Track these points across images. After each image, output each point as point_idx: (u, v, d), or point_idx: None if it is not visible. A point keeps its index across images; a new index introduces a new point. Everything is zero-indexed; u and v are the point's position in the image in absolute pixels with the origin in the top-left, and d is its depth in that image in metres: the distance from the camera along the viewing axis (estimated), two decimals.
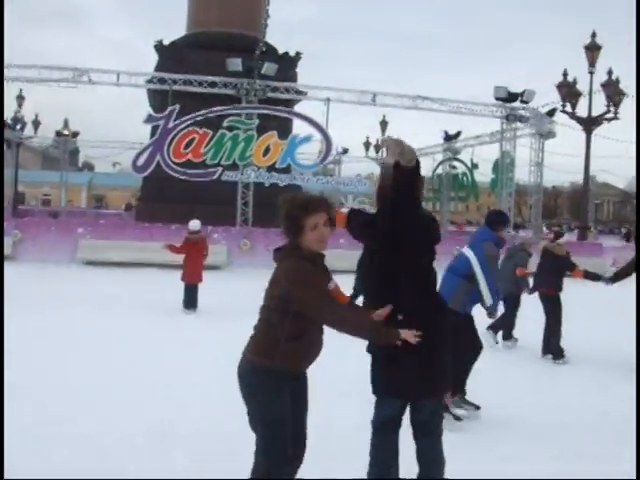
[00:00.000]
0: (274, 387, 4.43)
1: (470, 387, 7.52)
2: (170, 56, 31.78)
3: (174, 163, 25.07)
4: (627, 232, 66.89)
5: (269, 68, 26.82)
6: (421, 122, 61.36)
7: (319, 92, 28.82)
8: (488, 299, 7.22)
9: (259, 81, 26.90)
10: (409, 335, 4.41)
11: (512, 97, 30.23)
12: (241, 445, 4.98)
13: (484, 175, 38.49)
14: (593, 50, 32.90)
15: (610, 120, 33.11)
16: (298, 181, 28.19)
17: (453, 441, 5.35)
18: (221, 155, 25.34)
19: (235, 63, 26.73)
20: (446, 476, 4.76)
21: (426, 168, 56.41)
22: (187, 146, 25.18)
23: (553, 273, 11.33)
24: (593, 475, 5.14)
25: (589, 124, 33.21)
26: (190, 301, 14.18)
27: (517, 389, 8.88)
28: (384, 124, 55.97)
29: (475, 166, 37.82)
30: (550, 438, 6.61)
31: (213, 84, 26.77)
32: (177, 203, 26.60)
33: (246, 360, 4.49)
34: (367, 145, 59.58)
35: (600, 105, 33.20)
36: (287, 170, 27.56)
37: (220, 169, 25.52)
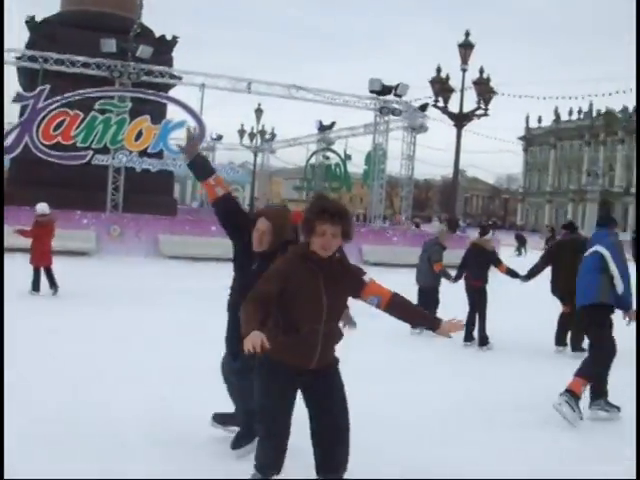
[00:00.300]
0: (268, 377, 4.58)
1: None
2: (42, 34, 30.65)
3: (43, 145, 24.34)
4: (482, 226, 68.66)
5: (144, 51, 26.29)
6: (296, 111, 61.66)
7: (194, 77, 28.49)
8: (620, 288, 7.56)
9: (133, 64, 26.33)
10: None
11: (386, 90, 30.60)
12: None
13: (357, 166, 39.01)
14: (466, 48, 33.73)
15: (480, 116, 34.03)
16: (170, 167, 27.88)
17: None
18: (92, 138, 24.77)
19: (109, 44, 26.04)
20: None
21: (300, 158, 56.83)
22: (57, 128, 24.49)
23: (481, 266, 11.95)
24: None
25: (460, 119, 34.01)
26: (37, 284, 13.88)
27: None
28: (259, 112, 55.90)
29: (348, 157, 38.17)
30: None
31: (86, 65, 26.02)
32: (46, 186, 25.81)
33: None
34: (242, 133, 59.32)
35: (471, 102, 34.07)
36: (159, 155, 27.18)
37: (91, 152, 24.95)
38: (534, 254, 39.65)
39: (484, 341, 11.56)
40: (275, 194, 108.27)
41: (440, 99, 33.73)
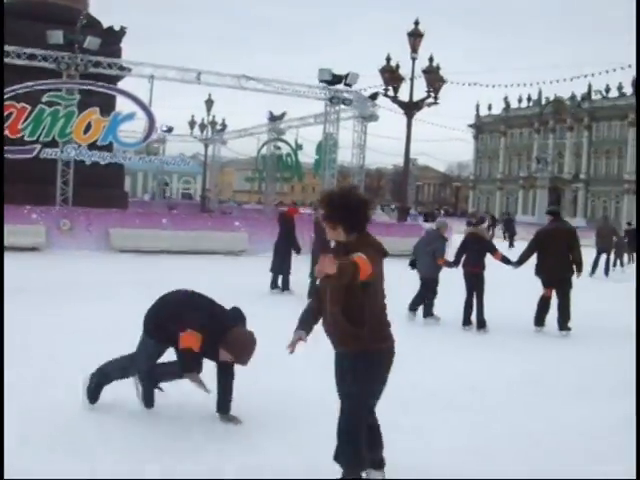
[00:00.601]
0: (371, 367, 4.89)
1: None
2: None
3: None
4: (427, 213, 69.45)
5: (92, 42, 25.97)
6: (247, 102, 61.33)
7: (143, 68, 28.26)
8: None
9: (81, 55, 26.03)
10: None
11: (336, 80, 30.62)
12: None
13: (308, 156, 38.95)
14: (415, 37, 33.80)
15: (430, 105, 34.15)
16: (120, 159, 27.69)
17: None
18: (40, 131, 24.51)
19: (56, 35, 25.69)
20: None
21: (251, 147, 56.68)
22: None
23: (479, 254, 12.79)
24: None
25: (410, 108, 34.11)
26: None
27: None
28: (210, 103, 55.67)
29: (299, 147, 38.14)
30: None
31: (32, 56, 25.64)
32: None
33: None
34: (192, 124, 59.02)
35: (421, 90, 34.20)
36: (109, 148, 26.98)
37: (39, 146, 24.68)
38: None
39: (482, 324, 12.47)
40: (227, 185, 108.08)
41: (390, 88, 33.81)
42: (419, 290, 13.28)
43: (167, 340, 6.54)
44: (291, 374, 7.90)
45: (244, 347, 6.32)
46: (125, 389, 6.96)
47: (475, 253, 12.77)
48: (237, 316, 6.64)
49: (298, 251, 16.56)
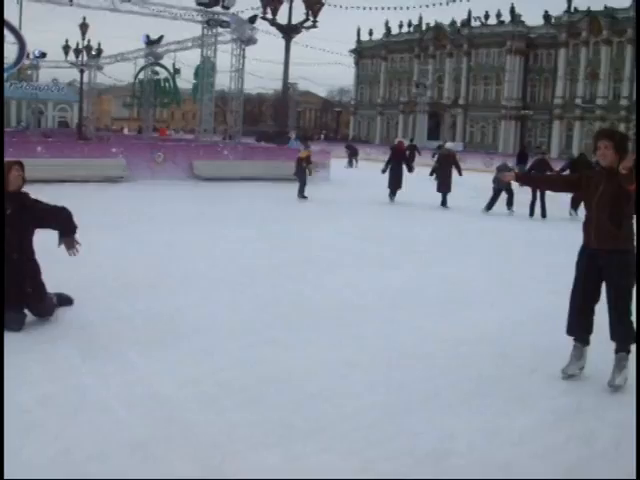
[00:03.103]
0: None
1: None
2: None
3: None
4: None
5: None
6: (123, 25, 59.62)
7: None
8: None
9: None
10: None
11: (213, 2, 30.19)
12: None
13: (187, 81, 38.46)
14: None
15: (309, 28, 34.06)
16: None
17: None
18: None
19: None
20: None
21: (128, 73, 55.40)
22: None
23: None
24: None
25: (289, 31, 33.95)
26: None
27: None
28: (84, 27, 53.92)
29: (177, 72, 37.65)
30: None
31: None
32: None
33: None
34: (66, 49, 57.14)
35: (300, 13, 34.00)
36: None
37: None
38: (364, 165, 40.94)
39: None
40: (105, 112, 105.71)
41: (269, 10, 33.54)
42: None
43: None
44: None
45: None
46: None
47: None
48: None
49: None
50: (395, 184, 22.24)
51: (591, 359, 6.39)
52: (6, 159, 7.02)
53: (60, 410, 5.12)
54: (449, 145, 25.25)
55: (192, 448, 4.64)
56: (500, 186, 19.57)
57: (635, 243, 6.17)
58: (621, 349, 6.18)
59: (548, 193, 16.78)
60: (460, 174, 22.04)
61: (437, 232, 16.07)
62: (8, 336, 6.55)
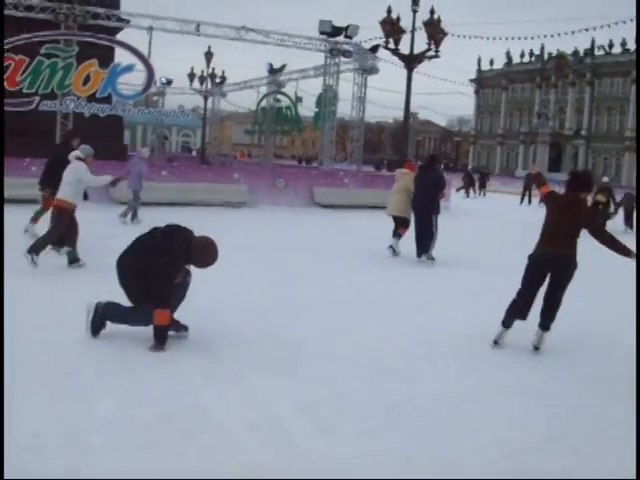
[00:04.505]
0: None
1: None
2: None
3: None
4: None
5: None
6: (246, 54, 61.07)
7: (142, 20, 28.14)
8: None
9: (79, 6, 25.89)
10: None
11: (336, 31, 30.54)
12: None
13: (308, 109, 38.91)
14: None
15: (431, 58, 34.02)
16: (120, 112, 27.59)
17: None
18: (38, 83, 24.38)
19: None
20: None
21: (251, 100, 56.44)
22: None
23: None
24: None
25: (411, 61, 33.99)
26: None
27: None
28: (209, 55, 55.35)
29: (299, 100, 38.02)
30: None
31: (30, 7, 25.49)
32: None
33: None
34: (192, 76, 58.72)
35: (422, 43, 34.01)
36: (108, 100, 26.85)
37: (37, 98, 24.55)
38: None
39: None
40: (227, 138, 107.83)
41: (391, 40, 33.66)
42: None
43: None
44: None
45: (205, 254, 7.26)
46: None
47: None
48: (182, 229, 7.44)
49: None
50: None
51: None
52: None
53: (181, 429, 5.21)
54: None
55: (310, 475, 4.64)
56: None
57: None
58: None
59: None
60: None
61: None
62: (131, 354, 6.75)
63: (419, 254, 14.06)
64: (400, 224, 14.85)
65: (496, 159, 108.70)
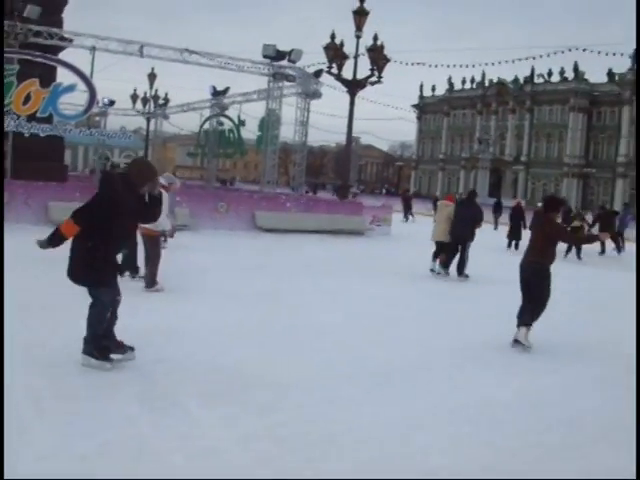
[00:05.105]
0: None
1: None
2: None
3: None
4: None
5: (32, 11, 25.56)
6: (190, 76, 60.66)
7: (85, 40, 27.90)
8: None
9: (20, 24, 25.57)
10: None
11: (280, 55, 30.62)
12: None
13: (251, 132, 38.91)
14: (361, 15, 33.78)
15: (374, 83, 34.20)
16: (60, 132, 27.27)
17: None
18: None
19: None
20: None
21: (194, 123, 56.25)
22: None
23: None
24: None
25: (353, 86, 34.15)
26: None
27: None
28: (152, 77, 55.09)
29: (242, 123, 38.03)
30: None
31: None
32: None
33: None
34: (134, 98, 58.36)
35: (365, 69, 34.22)
36: (49, 120, 26.53)
37: None
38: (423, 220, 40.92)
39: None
40: (169, 160, 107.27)
41: (334, 65, 33.79)
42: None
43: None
44: None
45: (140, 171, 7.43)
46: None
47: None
48: None
49: None
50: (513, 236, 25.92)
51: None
52: None
53: (119, 459, 5.12)
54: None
55: None
56: None
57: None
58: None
59: None
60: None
61: None
62: (68, 382, 6.63)
63: (459, 272, 16.61)
64: (443, 249, 16.89)
65: (437, 184, 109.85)
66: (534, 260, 9.63)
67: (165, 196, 11.22)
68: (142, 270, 12.71)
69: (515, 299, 9.79)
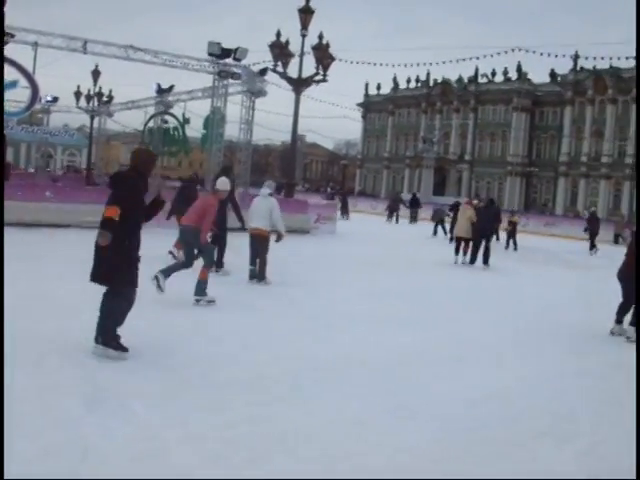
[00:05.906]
0: None
1: None
2: None
3: None
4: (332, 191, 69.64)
5: None
6: (134, 73, 60.13)
7: (27, 35, 27.51)
8: None
9: None
10: None
11: (225, 53, 30.50)
12: None
13: (196, 131, 38.73)
14: (306, 13, 33.76)
15: (319, 82, 34.20)
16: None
17: None
18: None
19: None
20: None
21: (138, 121, 55.79)
22: None
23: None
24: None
25: (299, 85, 34.13)
26: None
27: None
28: (96, 73, 54.39)
29: (187, 121, 37.88)
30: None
31: None
32: None
33: None
34: (78, 95, 57.56)
35: (310, 67, 34.21)
36: None
37: None
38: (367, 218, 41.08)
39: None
40: (113, 158, 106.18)
41: (279, 64, 33.74)
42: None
43: None
44: None
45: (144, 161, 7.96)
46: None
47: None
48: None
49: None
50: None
51: None
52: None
53: (62, 462, 5.03)
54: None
55: None
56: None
57: None
58: None
59: None
60: None
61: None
62: (11, 384, 6.50)
63: (484, 262, 20.66)
64: (465, 243, 20.94)
65: (382, 182, 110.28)
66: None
67: (273, 201, 13.50)
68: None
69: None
